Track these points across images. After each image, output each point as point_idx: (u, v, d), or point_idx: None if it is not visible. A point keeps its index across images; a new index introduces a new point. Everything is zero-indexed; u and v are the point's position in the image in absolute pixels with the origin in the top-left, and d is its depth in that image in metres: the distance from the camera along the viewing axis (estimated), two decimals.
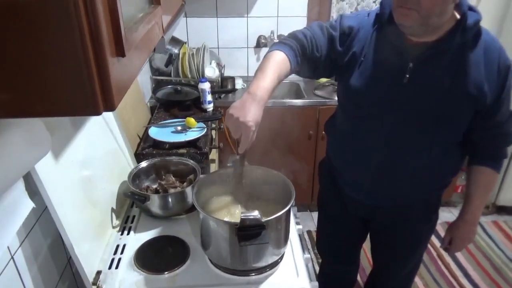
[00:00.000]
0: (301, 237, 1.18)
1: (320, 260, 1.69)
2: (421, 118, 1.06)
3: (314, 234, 2.15)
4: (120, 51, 0.46)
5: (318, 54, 1.08)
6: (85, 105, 0.43)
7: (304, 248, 1.13)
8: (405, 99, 1.05)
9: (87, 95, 0.43)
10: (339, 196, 1.35)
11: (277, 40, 2.53)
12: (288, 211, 0.99)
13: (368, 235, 1.48)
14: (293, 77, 1.54)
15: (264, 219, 0.89)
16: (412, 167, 1.14)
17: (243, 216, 0.88)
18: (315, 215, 1.54)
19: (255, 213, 0.88)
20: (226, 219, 1.05)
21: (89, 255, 0.98)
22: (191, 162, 1.32)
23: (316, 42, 1.08)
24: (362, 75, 1.09)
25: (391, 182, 1.19)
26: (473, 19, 0.98)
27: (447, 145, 1.12)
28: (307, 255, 1.10)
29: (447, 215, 2.65)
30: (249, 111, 0.87)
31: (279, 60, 0.99)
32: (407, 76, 1.03)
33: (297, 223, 1.22)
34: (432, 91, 1.03)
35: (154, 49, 0.82)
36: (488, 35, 1.03)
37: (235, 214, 1.07)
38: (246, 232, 0.88)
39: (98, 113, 0.44)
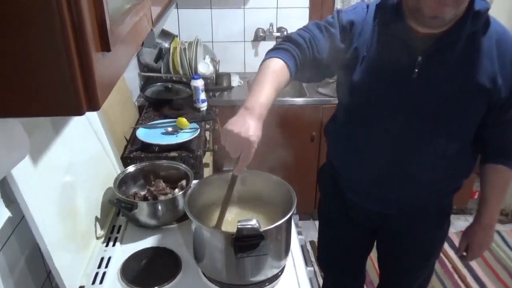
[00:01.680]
0: (303, 248, 1.18)
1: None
2: (432, 116, 1.07)
3: None
4: (105, 46, 0.46)
5: (320, 56, 1.08)
6: (66, 105, 0.43)
7: (306, 260, 1.12)
8: (414, 96, 1.06)
9: (69, 93, 0.43)
10: (341, 203, 1.35)
11: (277, 35, 2.56)
12: (289, 219, 0.99)
13: (375, 245, 1.48)
14: None
15: (263, 229, 0.89)
16: (423, 169, 1.14)
17: (239, 225, 0.87)
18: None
19: (253, 222, 0.88)
20: (221, 228, 1.04)
21: (71, 269, 0.97)
22: (183, 166, 1.32)
23: (316, 44, 1.08)
24: (365, 71, 1.10)
25: (399, 186, 1.19)
26: (483, 6, 0.99)
27: (459, 144, 1.13)
28: (310, 268, 1.10)
29: (462, 223, 2.65)
30: (250, 126, 0.86)
31: (277, 69, 0.99)
32: (416, 70, 1.04)
33: (299, 233, 1.22)
34: (443, 85, 1.04)
35: (143, 43, 0.82)
36: (499, 26, 1.04)
37: (231, 223, 1.07)
38: (243, 243, 0.88)
39: (81, 113, 0.44)
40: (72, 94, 0.43)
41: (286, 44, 1.06)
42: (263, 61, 1.04)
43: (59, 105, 0.44)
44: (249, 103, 0.91)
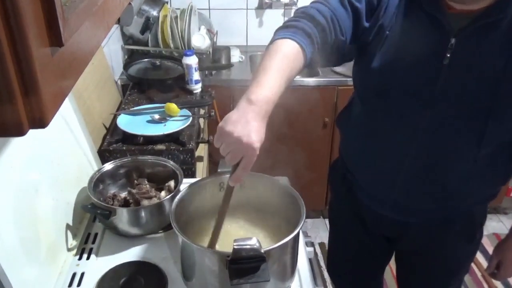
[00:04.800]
0: (312, 261, 1.16)
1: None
2: (466, 111, 1.04)
3: None
4: (55, 39, 0.40)
5: (344, 37, 1.02)
6: (1, 123, 0.37)
7: (316, 277, 1.11)
8: (446, 86, 1.02)
9: (3, 108, 0.36)
10: (356, 209, 1.33)
11: (286, 1, 2.48)
12: (297, 236, 0.96)
13: (394, 258, 1.47)
14: None
15: (264, 249, 0.85)
16: (454, 173, 1.13)
17: (236, 245, 0.84)
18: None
19: (252, 242, 0.84)
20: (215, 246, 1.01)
21: None
22: (170, 163, 1.29)
23: (339, 23, 1.01)
24: (386, 55, 1.06)
25: (425, 192, 1.17)
26: None
27: (498, 145, 1.10)
28: None
29: (495, 224, 2.63)
30: (253, 129, 0.80)
31: (290, 54, 0.91)
32: (448, 56, 1.00)
33: (308, 244, 1.20)
34: (480, 74, 1.00)
35: (119, 21, 0.75)
36: None
37: (228, 239, 1.03)
38: (240, 266, 0.84)
39: (21, 133, 0.38)
40: (8, 109, 0.36)
41: (302, 22, 0.97)
42: (273, 40, 0.96)
43: None
44: (253, 95, 0.84)
